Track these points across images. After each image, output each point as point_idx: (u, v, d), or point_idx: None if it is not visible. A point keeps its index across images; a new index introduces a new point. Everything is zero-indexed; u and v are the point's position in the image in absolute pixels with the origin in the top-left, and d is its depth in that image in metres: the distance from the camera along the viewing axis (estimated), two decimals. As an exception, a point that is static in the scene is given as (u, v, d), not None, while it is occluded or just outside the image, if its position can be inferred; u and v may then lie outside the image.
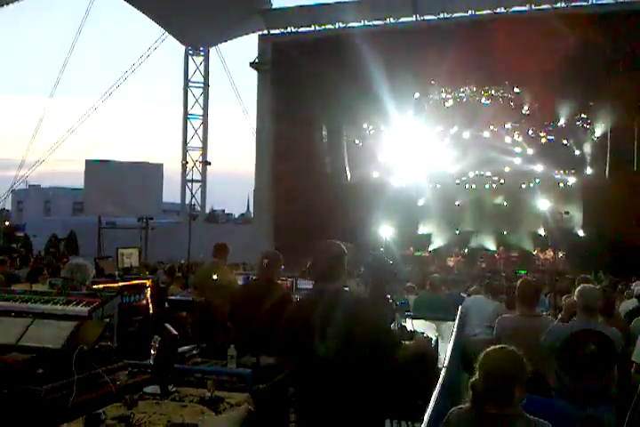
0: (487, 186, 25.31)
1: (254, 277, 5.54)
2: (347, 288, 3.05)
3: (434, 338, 4.47)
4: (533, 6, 19.57)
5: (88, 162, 26.62)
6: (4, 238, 41.53)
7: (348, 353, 2.71)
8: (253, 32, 25.33)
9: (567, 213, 19.44)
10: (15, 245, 34.01)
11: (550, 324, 4.54)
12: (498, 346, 2.61)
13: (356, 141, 22.08)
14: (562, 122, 19.79)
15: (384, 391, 2.85)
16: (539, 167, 22.45)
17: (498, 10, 19.81)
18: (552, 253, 19.14)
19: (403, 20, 21.59)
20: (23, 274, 7.70)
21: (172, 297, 6.92)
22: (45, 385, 2.76)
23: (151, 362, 3.55)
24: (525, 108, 19.72)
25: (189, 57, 29.21)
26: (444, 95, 20.41)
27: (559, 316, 6.02)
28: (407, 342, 2.96)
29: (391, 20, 21.64)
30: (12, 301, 3.66)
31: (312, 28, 23.03)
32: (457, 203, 25.41)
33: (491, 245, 23.57)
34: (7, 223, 47.52)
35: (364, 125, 21.81)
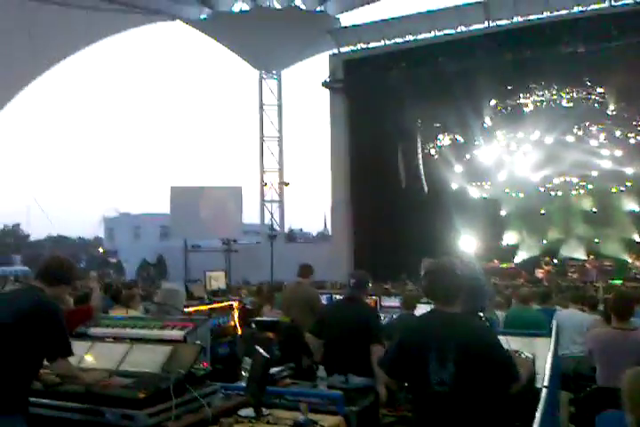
0: (574, 192, 24.25)
1: (340, 297, 5.54)
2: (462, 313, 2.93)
3: (531, 356, 4.28)
4: (613, 2, 18.71)
5: (173, 188, 27.74)
6: (99, 264, 43.87)
7: (469, 380, 2.62)
8: (324, 52, 25.74)
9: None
10: (109, 271, 35.87)
11: None
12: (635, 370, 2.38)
13: (432, 153, 21.81)
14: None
15: (498, 419, 2.73)
16: (629, 170, 21.26)
17: (574, 9, 19.05)
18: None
19: (475, 27, 21.22)
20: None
21: (259, 318, 7.01)
22: (146, 409, 2.85)
23: (244, 384, 3.60)
24: (611, 108, 18.78)
25: (263, 80, 30.04)
26: (522, 100, 19.81)
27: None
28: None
29: (462, 28, 21.33)
30: (112, 327, 3.83)
31: (382, 42, 23.09)
32: (542, 211, 24.47)
33: (581, 254, 22.45)
34: (101, 250, 50.28)
35: (440, 137, 21.52)
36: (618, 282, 18.01)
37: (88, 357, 3.46)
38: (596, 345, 4.35)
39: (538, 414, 2.83)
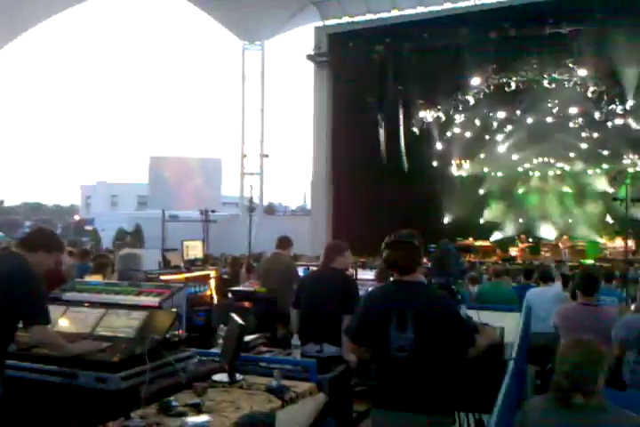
0: (551, 173, 24.56)
1: (316, 268, 5.58)
2: (422, 280, 3.04)
3: (498, 329, 4.39)
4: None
5: (152, 158, 27.41)
6: (75, 232, 43.45)
7: (428, 345, 2.72)
8: (309, 24, 25.33)
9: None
10: (85, 239, 35.57)
11: (612, 313, 4.40)
12: (575, 339, 2.52)
13: (414, 130, 21.81)
14: (630, 104, 18.85)
15: (455, 382, 2.84)
16: (605, 152, 21.56)
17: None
18: (621, 241, 18.36)
19: (462, 4, 21.02)
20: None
21: (236, 288, 7.07)
22: (120, 373, 2.88)
23: (219, 351, 3.65)
24: (591, 90, 18.90)
25: (246, 51, 29.54)
26: (505, 79, 19.81)
27: (632, 306, 5.80)
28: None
29: (449, 4, 21.13)
30: (87, 292, 3.84)
31: (367, 16, 22.81)
32: (520, 191, 24.77)
33: (555, 234, 22.88)
34: (77, 218, 49.76)
35: (422, 113, 21.49)
36: (589, 261, 18.43)
37: (62, 320, 3.47)
38: (562, 320, 4.48)
39: (503, 385, 2.93)
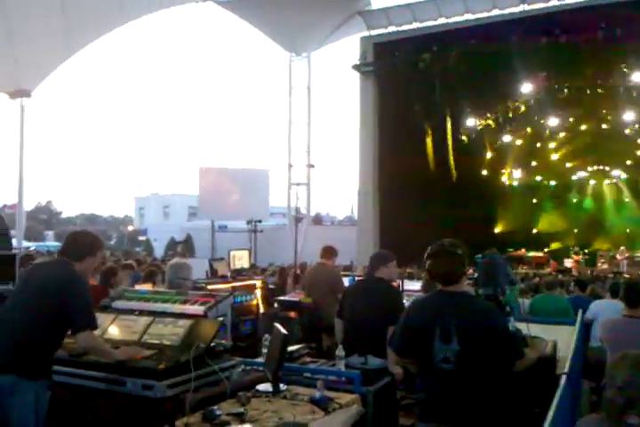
0: (607, 181, 23.76)
1: (362, 278, 5.53)
2: (467, 291, 2.97)
3: (551, 343, 4.24)
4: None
5: (202, 169, 27.99)
6: (129, 242, 44.69)
7: (473, 357, 2.65)
8: (355, 34, 25.45)
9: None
10: (138, 249, 36.53)
11: None
12: (622, 353, 2.40)
13: (463, 138, 21.50)
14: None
15: (504, 398, 2.75)
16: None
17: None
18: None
19: (509, 10, 20.70)
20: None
21: (282, 298, 7.09)
22: (166, 380, 2.91)
23: (263, 360, 3.65)
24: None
25: (293, 62, 29.89)
26: (556, 86, 19.33)
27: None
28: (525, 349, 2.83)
29: (497, 11, 20.83)
30: (136, 300, 3.91)
31: (413, 25, 22.72)
32: (574, 200, 24.06)
33: (612, 244, 22.06)
34: (131, 228, 51.21)
35: (470, 122, 21.17)
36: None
37: (111, 328, 3.55)
38: (607, 333, 4.32)
39: (555, 400, 2.81)
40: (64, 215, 61.24)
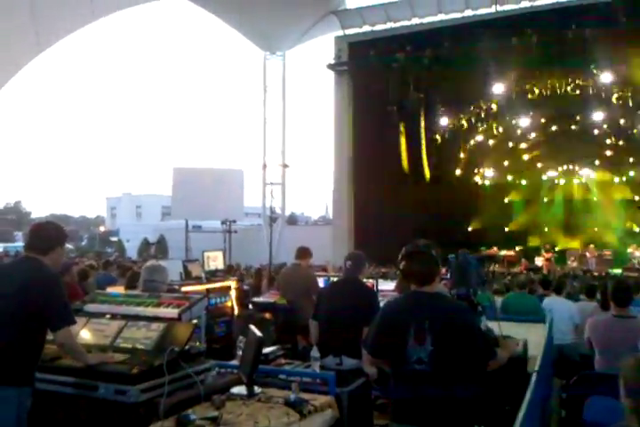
0: (576, 181, 24.20)
1: (337, 279, 5.55)
2: (441, 291, 3.00)
3: (521, 342, 4.31)
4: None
5: (176, 169, 27.76)
6: (100, 243, 44.06)
7: (446, 357, 2.68)
8: (330, 33, 25.50)
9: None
10: (110, 250, 36.04)
11: None
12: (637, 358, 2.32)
13: (436, 138, 21.70)
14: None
15: (476, 396, 2.78)
16: (631, 159, 21.19)
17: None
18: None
19: (482, 11, 20.97)
20: (118, 277, 8.15)
21: (256, 299, 7.07)
22: (139, 384, 2.89)
23: (237, 363, 3.64)
24: (615, 96, 18.60)
25: (267, 61, 29.81)
26: (527, 86, 19.63)
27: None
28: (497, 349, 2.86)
29: (470, 12, 21.08)
30: (108, 303, 3.87)
31: (387, 25, 22.88)
32: (545, 199, 24.45)
33: (582, 243, 22.48)
34: (102, 229, 50.49)
35: (443, 122, 21.38)
36: (617, 271, 18.06)
37: (83, 332, 3.50)
38: (595, 333, 4.39)
39: (526, 398, 2.87)
40: (34, 215, 60.13)
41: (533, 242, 23.03)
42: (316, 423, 1.91)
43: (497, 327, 3.44)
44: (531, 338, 4.75)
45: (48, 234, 3.20)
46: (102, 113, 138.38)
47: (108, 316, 3.68)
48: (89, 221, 62.30)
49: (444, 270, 4.22)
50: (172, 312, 3.59)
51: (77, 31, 25.79)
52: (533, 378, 3.29)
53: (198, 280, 6.09)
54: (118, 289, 5.50)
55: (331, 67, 24.03)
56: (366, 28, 23.42)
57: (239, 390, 3.21)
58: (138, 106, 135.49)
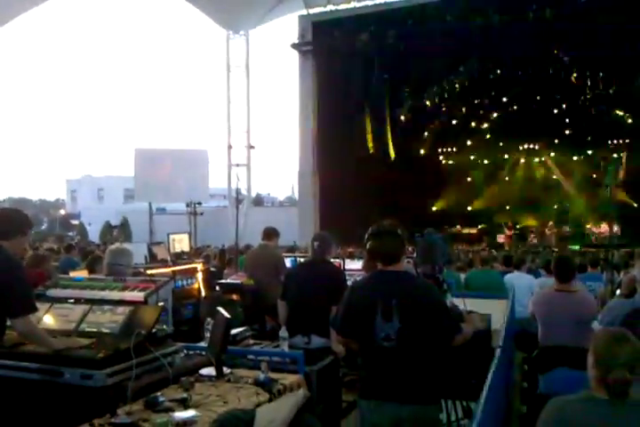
0: (537, 160, 24.69)
1: (304, 260, 5.56)
2: (407, 270, 3.04)
3: (485, 316, 4.41)
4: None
5: (138, 150, 27.13)
6: (61, 227, 43.15)
7: (413, 334, 2.73)
8: (294, 12, 25.15)
9: (621, 185, 18.72)
10: (71, 233, 35.33)
11: (588, 299, 4.43)
12: (613, 332, 2.40)
13: (401, 118, 21.77)
14: (614, 89, 18.93)
15: (442, 371, 2.84)
16: (589, 139, 21.69)
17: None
18: (606, 226, 18.53)
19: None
20: (81, 261, 8.00)
21: (223, 280, 7.04)
22: (106, 369, 2.86)
23: (205, 344, 3.63)
24: (574, 75, 18.94)
25: (230, 40, 29.26)
26: (489, 67, 19.80)
27: (617, 292, 5.85)
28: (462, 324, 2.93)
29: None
30: (71, 288, 3.79)
31: (351, 5, 22.68)
32: (506, 178, 24.90)
33: (542, 220, 23.04)
34: (63, 212, 49.37)
35: (408, 102, 21.45)
36: (576, 247, 18.61)
37: (46, 317, 3.43)
38: (539, 306, 4.52)
39: (491, 372, 2.94)
40: (-9, 199, 58.39)
41: (495, 220, 23.51)
42: (288, 402, 1.92)
43: (462, 303, 3.52)
44: (494, 313, 4.87)
45: (11, 220, 3.13)
46: (61, 92, 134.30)
47: (71, 300, 3.61)
48: (48, 204, 60.84)
49: (410, 249, 4.28)
50: (137, 296, 3.55)
51: (35, 8, 24.88)
52: (497, 352, 3.38)
53: (164, 263, 6.03)
54: (81, 274, 5.40)
55: (295, 46, 23.78)
56: (330, 8, 23.18)
57: (208, 371, 3.22)
58: (99, 85, 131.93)
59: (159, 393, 2.79)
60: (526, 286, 6.68)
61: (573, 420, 2.14)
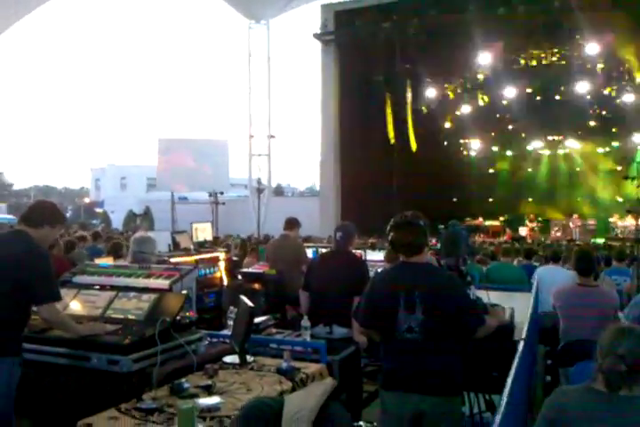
0: (561, 151, 24.31)
1: (326, 250, 5.57)
2: (430, 261, 3.03)
3: (508, 310, 4.38)
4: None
5: (161, 140, 27.32)
6: (85, 215, 43.73)
7: (436, 326, 2.72)
8: (316, 1, 24.99)
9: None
10: (95, 221, 35.80)
11: (609, 294, 4.38)
12: (623, 325, 2.40)
13: (422, 109, 21.57)
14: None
15: (465, 363, 2.83)
16: (615, 130, 21.26)
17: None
18: (632, 219, 18.20)
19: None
20: (106, 248, 8.10)
21: (245, 270, 7.09)
22: (131, 354, 2.90)
23: (229, 333, 3.67)
24: (600, 66, 18.55)
25: (251, 30, 29.20)
26: (513, 57, 19.49)
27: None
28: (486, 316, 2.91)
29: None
30: (97, 275, 3.85)
31: (374, -7, 22.43)
32: (529, 169, 24.57)
33: (566, 213, 22.71)
34: (87, 200, 50.02)
35: (430, 92, 21.22)
36: (600, 241, 18.33)
37: (73, 303, 3.50)
38: (560, 301, 4.48)
39: (514, 365, 2.92)
40: (16, 187, 59.33)
41: (518, 212, 23.23)
42: (317, 390, 1.94)
43: (485, 296, 3.49)
44: (516, 306, 4.83)
45: (44, 211, 3.20)
46: (86, 83, 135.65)
47: (97, 287, 3.67)
48: (73, 192, 61.65)
49: (433, 241, 4.26)
50: (162, 283, 3.60)
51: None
52: (521, 345, 3.35)
53: (187, 251, 6.09)
54: (106, 260, 5.49)
55: (317, 36, 23.61)
56: (353, -4, 22.97)
57: (231, 359, 3.25)
58: (123, 76, 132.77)
59: (184, 379, 2.83)
60: (562, 280, 6.57)
61: (570, 408, 2.21)
